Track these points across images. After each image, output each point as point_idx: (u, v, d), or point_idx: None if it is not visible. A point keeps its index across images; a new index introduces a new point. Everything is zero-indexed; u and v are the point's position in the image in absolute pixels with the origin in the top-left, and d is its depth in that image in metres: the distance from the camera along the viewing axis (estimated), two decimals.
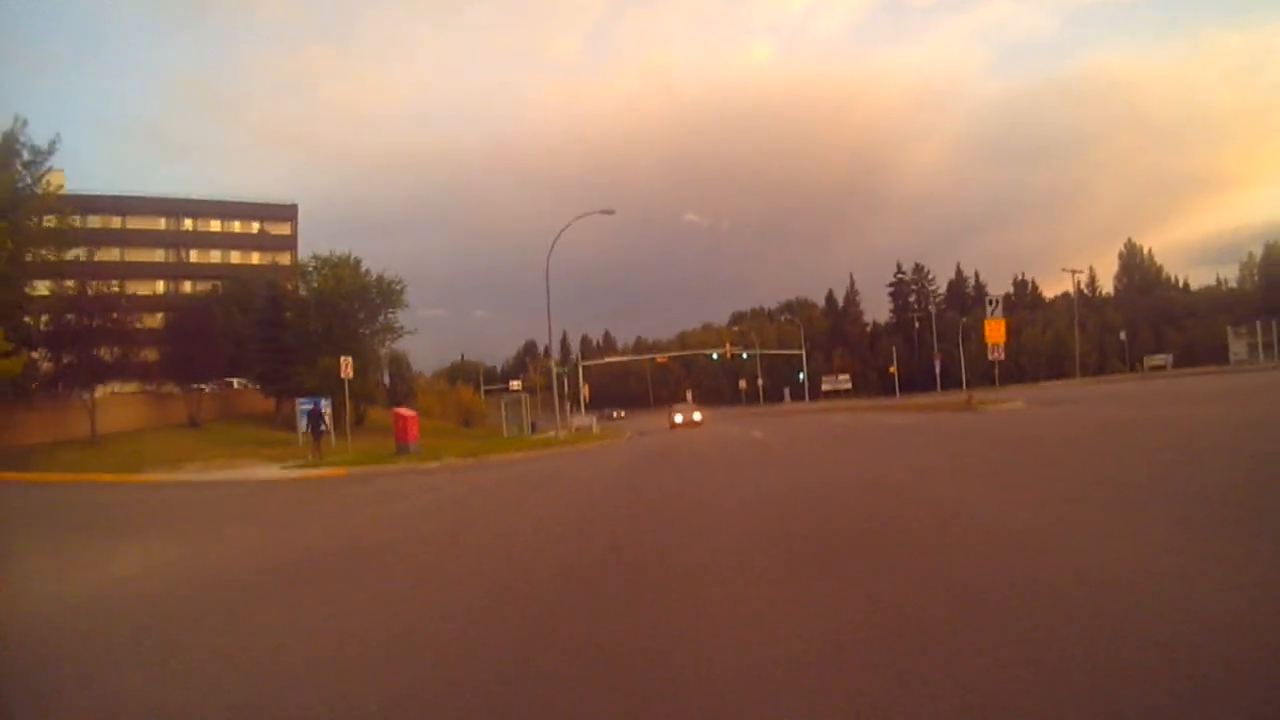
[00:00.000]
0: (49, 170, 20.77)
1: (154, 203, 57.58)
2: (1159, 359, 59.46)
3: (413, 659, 3.06)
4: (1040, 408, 19.39)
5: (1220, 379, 27.89)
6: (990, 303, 23.09)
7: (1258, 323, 40.07)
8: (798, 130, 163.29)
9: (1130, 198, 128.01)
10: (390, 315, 35.14)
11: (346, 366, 19.24)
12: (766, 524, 5.82)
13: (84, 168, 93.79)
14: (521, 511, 8.27)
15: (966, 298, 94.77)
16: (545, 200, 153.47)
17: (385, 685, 2.76)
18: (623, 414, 75.33)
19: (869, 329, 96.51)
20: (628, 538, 5.70)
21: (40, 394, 24.59)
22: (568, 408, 36.93)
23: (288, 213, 61.91)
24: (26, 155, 20.63)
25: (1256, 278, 68.87)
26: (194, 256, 59.34)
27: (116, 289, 27.61)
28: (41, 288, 25.76)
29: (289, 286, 35.92)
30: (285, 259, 58.58)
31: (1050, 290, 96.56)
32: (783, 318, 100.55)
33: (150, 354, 29.18)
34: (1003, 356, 22.04)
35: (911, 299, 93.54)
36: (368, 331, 34.53)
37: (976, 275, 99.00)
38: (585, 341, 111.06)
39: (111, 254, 47.88)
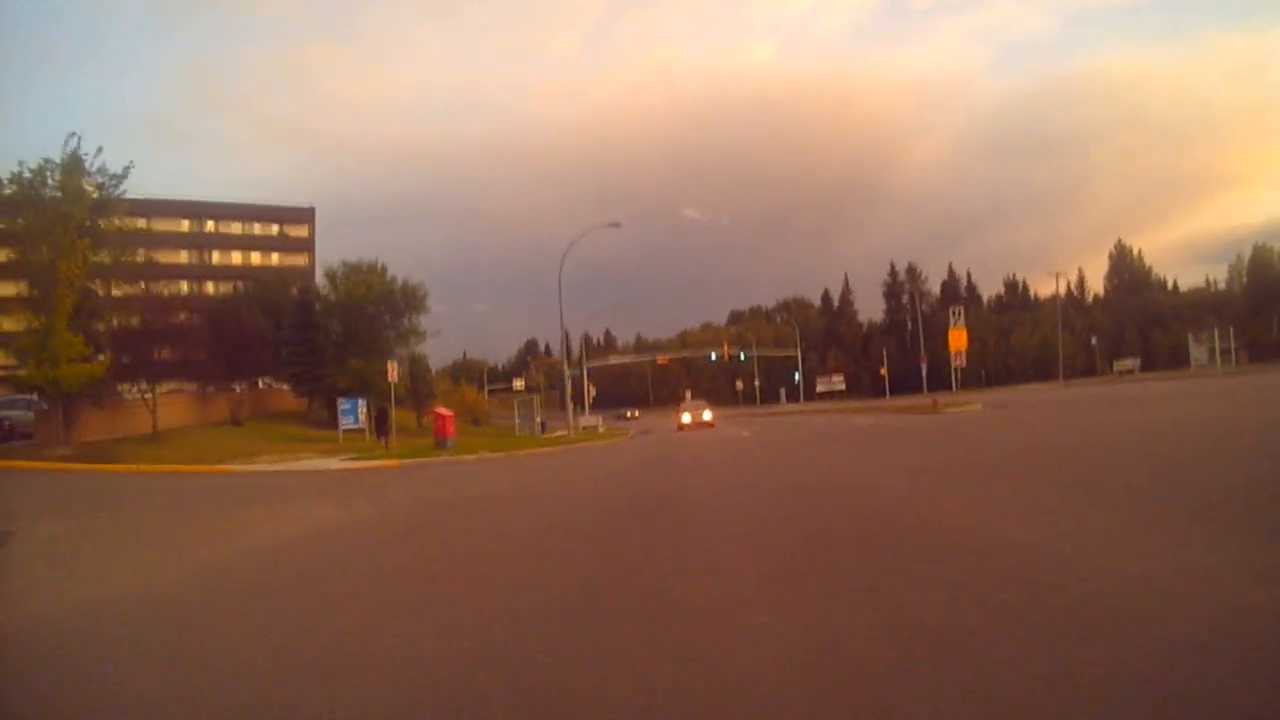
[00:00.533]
0: (123, 193, 23.38)
1: (177, 205, 60.44)
2: (1128, 363, 62.24)
3: (539, 533, 5.96)
4: (992, 410, 22.31)
5: (1173, 384, 30.63)
6: (954, 314, 26.03)
7: (1215, 330, 43.06)
8: (798, 127, 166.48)
9: (1131, 197, 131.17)
10: (413, 319, 38.13)
11: (392, 371, 22.23)
12: (724, 477, 8.75)
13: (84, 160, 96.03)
14: (567, 480, 11.28)
15: (959, 299, 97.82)
16: (544, 196, 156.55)
17: (529, 547, 5.63)
18: (637, 414, 75.71)
19: (863, 329, 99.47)
20: (642, 489, 8.63)
21: (105, 393, 27.39)
22: (573, 407, 39.33)
23: (306, 215, 64.88)
24: (99, 178, 22.98)
25: (1245, 279, 70.69)
26: (215, 258, 62.30)
27: (168, 291, 30.46)
28: (102, 289, 28.51)
29: (319, 290, 38.81)
30: (303, 259, 61.57)
31: (1045, 289, 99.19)
32: (779, 318, 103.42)
33: (197, 354, 31.95)
34: (964, 363, 24.98)
35: (905, 300, 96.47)
36: (392, 335, 37.43)
37: (969, 275, 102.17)
38: (586, 340, 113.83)
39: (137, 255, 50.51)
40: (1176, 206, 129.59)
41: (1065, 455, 9.13)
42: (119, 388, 27.99)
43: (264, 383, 41.97)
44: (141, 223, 41.46)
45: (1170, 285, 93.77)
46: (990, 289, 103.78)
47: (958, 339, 24.57)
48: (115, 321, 27.54)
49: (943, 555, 4.12)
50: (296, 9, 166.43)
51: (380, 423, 22.43)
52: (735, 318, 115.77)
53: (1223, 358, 41.07)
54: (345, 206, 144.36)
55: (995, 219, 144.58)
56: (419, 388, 38.86)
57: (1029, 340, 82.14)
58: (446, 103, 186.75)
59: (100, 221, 22.94)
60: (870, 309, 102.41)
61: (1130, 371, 57.61)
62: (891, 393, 66.32)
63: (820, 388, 73.71)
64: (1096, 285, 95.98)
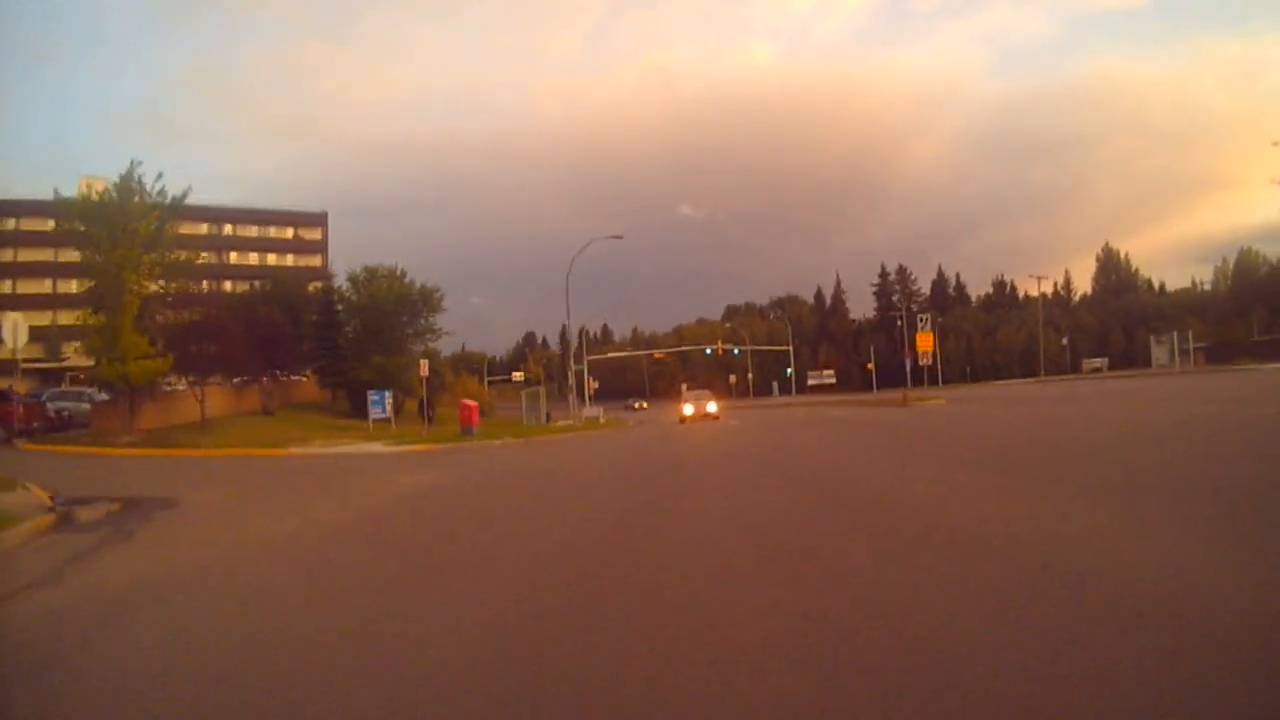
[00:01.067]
0: (180, 219, 26.35)
1: (198, 210, 63.00)
2: (1096, 362, 65.10)
3: (591, 484, 8.95)
4: (953, 405, 25.39)
5: (1132, 382, 33.67)
6: (921, 320, 29.05)
7: (1174, 333, 46.35)
8: (797, 127, 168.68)
9: (1129, 199, 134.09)
10: (429, 319, 41.19)
11: (424, 368, 25.25)
12: (709, 449, 11.77)
13: (84, 158, 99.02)
14: (592, 457, 14.31)
15: (948, 298, 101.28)
16: (544, 194, 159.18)
17: (590, 490, 8.63)
18: (645, 405, 76.79)
19: (854, 326, 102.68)
20: (643, 455, 11.66)
21: (160, 386, 30.23)
22: (576, 400, 42.18)
23: (319, 220, 67.71)
24: (159, 199, 25.80)
25: (1230, 282, 72.86)
26: (233, 259, 64.97)
27: (210, 289, 33.26)
28: (154, 287, 31.23)
29: (341, 292, 41.77)
30: (317, 260, 64.34)
31: (1035, 289, 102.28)
32: (773, 314, 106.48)
33: (237, 349, 34.73)
34: (930, 363, 28.09)
35: (895, 299, 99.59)
36: (410, 333, 40.49)
37: (958, 276, 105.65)
38: (584, 334, 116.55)
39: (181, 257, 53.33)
40: (1173, 209, 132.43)
41: (967, 437, 12.21)
42: (169, 380, 30.78)
43: (283, 375, 44.62)
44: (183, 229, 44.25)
45: (1158, 287, 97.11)
46: (984, 288, 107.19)
47: (924, 342, 27.73)
48: (160, 319, 30.25)
49: (823, 483, 7.32)
50: (296, 8, 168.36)
51: (427, 410, 25.76)
52: (730, 313, 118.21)
53: (1181, 358, 44.26)
54: (344, 203, 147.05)
55: (994, 219, 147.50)
56: (432, 380, 41.77)
57: (1015, 338, 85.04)
58: (447, 102, 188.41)
59: (161, 234, 25.85)
60: (864, 306, 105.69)
61: (1098, 370, 60.37)
62: (879, 387, 69.40)
63: (811, 381, 76.60)
64: (1086, 286, 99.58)
